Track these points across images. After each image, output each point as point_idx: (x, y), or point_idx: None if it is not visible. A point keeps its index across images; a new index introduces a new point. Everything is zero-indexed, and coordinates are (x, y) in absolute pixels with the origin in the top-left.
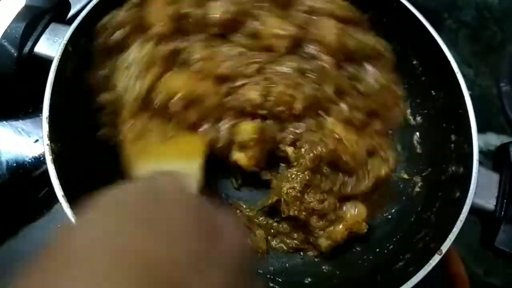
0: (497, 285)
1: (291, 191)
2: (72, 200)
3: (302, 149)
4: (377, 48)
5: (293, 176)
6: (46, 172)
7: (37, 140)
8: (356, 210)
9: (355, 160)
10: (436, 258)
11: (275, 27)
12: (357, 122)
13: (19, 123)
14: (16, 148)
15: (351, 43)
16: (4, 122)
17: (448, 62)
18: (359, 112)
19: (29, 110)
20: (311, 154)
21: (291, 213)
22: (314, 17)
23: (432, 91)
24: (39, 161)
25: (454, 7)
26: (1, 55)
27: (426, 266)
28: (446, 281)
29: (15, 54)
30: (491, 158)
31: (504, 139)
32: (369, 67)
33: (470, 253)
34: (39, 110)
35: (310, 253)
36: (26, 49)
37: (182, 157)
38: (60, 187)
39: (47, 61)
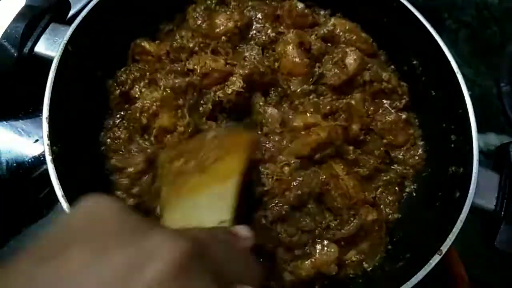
0: (497, 285)
1: (261, 219)
2: (72, 200)
3: (293, 183)
4: (392, 83)
5: (270, 204)
6: (46, 172)
7: (37, 140)
8: (326, 250)
9: (344, 200)
10: (436, 258)
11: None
12: (367, 169)
13: (19, 123)
14: (16, 148)
15: (367, 73)
16: (4, 122)
17: (448, 62)
18: (372, 157)
19: (29, 110)
20: (299, 192)
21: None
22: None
23: (432, 91)
24: (39, 161)
25: (454, 7)
26: (1, 55)
27: (426, 266)
28: (446, 281)
29: (15, 54)
30: (491, 158)
31: (504, 139)
32: (385, 104)
33: (470, 253)
34: (39, 110)
35: None
36: (26, 49)
37: (217, 182)
38: (60, 187)
39: (47, 61)
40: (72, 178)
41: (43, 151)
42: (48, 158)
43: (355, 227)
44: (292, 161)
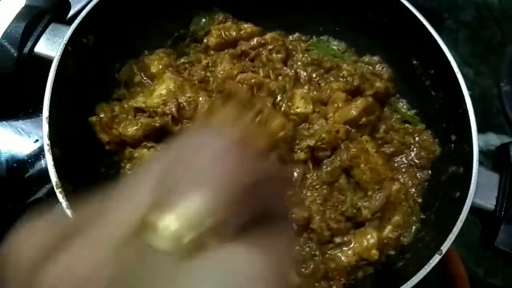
0: (497, 285)
1: (313, 203)
2: (71, 200)
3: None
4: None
5: (314, 186)
6: (46, 172)
7: (37, 140)
8: (366, 236)
9: (373, 174)
10: (436, 258)
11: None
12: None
13: (19, 123)
14: (16, 148)
15: None
16: (4, 122)
17: (448, 62)
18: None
19: (29, 110)
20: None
21: (314, 226)
22: None
23: (432, 91)
24: (39, 161)
25: (454, 7)
26: (1, 55)
27: (426, 266)
28: (446, 281)
29: (15, 54)
30: (491, 158)
31: (504, 139)
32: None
33: (470, 253)
34: (39, 110)
35: None
36: (26, 49)
37: None
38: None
39: (47, 61)
40: (72, 178)
41: (43, 151)
42: (49, 159)
43: (383, 198)
44: (340, 127)
